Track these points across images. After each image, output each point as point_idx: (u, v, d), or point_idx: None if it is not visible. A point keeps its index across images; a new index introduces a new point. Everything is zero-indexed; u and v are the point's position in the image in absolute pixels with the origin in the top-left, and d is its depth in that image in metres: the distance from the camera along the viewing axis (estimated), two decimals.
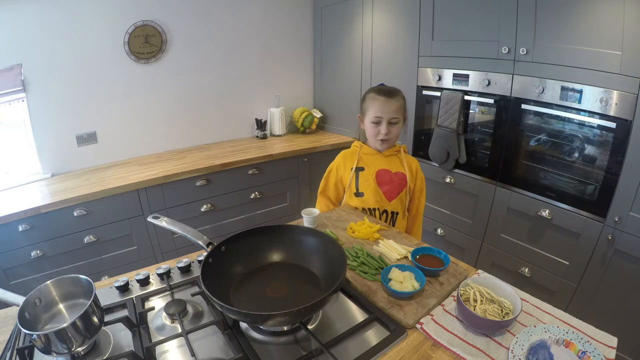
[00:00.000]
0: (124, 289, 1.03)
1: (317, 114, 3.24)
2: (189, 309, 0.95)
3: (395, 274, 1.02)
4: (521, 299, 0.89)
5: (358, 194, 1.53)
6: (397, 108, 1.43)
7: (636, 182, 1.48)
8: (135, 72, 2.51)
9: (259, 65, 3.05)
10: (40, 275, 1.96)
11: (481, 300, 0.89)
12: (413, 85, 2.33)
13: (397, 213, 1.55)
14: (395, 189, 1.52)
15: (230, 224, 2.63)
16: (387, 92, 1.44)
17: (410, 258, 1.13)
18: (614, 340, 0.84)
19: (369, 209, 1.53)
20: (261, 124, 3.07)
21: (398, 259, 1.16)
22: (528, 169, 1.88)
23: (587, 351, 0.78)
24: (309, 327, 0.89)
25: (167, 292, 1.03)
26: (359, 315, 0.94)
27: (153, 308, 0.96)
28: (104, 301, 0.96)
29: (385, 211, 1.54)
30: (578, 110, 1.61)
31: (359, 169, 1.53)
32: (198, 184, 2.40)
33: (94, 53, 2.33)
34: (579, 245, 1.72)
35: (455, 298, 0.93)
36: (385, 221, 1.54)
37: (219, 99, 2.92)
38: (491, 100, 1.95)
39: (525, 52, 1.73)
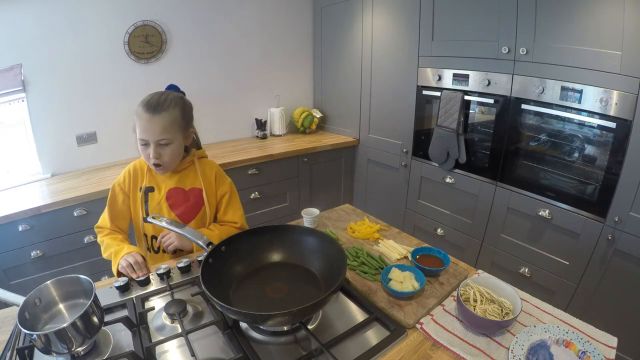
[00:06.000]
0: (124, 289, 1.03)
1: (317, 114, 3.24)
2: (189, 309, 0.95)
3: (395, 274, 1.02)
4: (521, 299, 0.89)
5: (147, 220, 1.21)
6: (164, 127, 1.14)
7: (636, 182, 1.48)
8: (135, 72, 2.50)
9: (259, 65, 3.04)
10: (40, 275, 1.96)
11: (481, 300, 0.89)
12: (413, 85, 2.33)
13: None
14: (191, 208, 1.30)
15: None
16: (152, 107, 1.14)
17: (410, 258, 1.13)
18: (614, 340, 0.84)
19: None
20: (261, 124, 3.06)
21: (398, 259, 1.16)
22: (528, 169, 1.88)
23: (587, 351, 0.78)
24: (309, 327, 0.89)
25: (167, 292, 1.03)
26: (359, 315, 0.94)
27: (153, 308, 0.96)
28: (104, 301, 0.96)
29: None
30: (578, 110, 1.61)
31: (148, 189, 1.28)
32: None
33: (94, 53, 2.32)
34: (579, 245, 1.72)
35: (455, 298, 0.93)
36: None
37: (219, 98, 2.92)
38: (491, 100, 1.95)
39: (525, 52, 1.73)
